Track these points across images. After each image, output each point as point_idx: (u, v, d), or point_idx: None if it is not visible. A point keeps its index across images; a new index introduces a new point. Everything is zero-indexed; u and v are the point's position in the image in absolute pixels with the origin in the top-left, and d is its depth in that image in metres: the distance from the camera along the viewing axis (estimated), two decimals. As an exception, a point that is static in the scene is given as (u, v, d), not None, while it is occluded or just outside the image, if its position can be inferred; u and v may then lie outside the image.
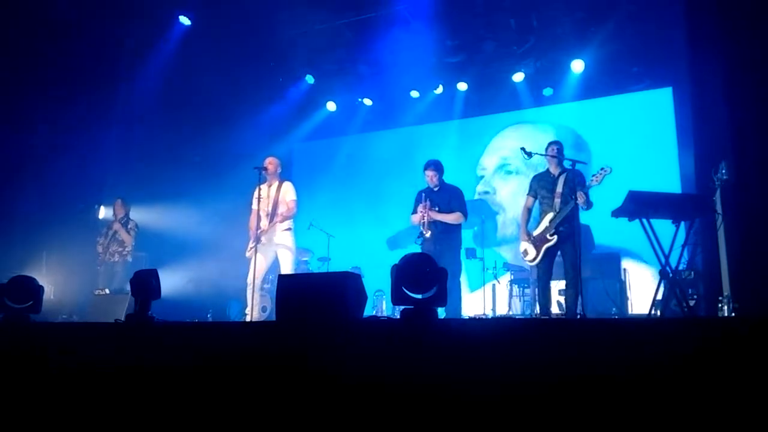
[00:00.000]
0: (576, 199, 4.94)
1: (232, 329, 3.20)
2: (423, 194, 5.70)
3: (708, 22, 5.68)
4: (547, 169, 5.44)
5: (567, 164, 5.00)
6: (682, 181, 7.69)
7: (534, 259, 5.27)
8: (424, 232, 5.53)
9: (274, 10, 7.66)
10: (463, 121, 9.66)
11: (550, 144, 5.43)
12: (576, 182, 5.17)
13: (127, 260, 7.22)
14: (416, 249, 5.61)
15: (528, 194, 5.53)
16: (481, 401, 2.11)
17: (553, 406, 2.03)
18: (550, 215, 5.21)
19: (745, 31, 4.91)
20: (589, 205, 5.05)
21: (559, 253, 5.23)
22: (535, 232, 5.30)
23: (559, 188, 5.23)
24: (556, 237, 5.12)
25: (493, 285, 7.74)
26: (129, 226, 7.34)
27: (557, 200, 5.19)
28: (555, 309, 5.27)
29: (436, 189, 5.69)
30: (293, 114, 9.91)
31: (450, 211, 5.57)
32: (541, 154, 5.38)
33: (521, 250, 5.46)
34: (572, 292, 5.02)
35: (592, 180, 4.97)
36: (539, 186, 5.41)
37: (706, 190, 5.47)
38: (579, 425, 1.99)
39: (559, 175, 5.30)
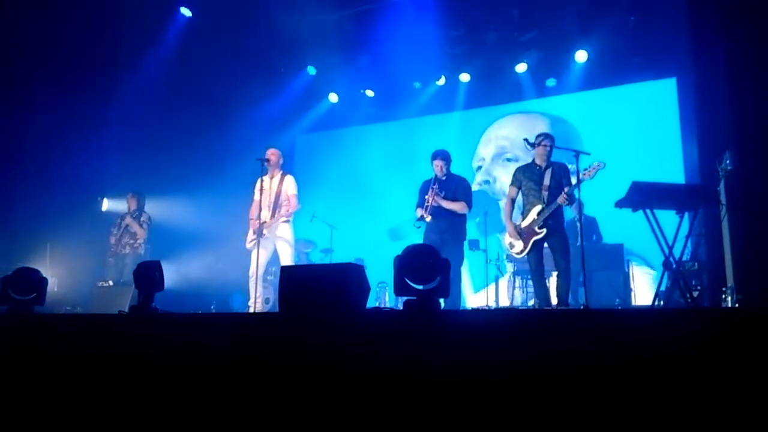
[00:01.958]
0: (563, 193, 4.99)
1: (235, 321, 3.20)
2: (432, 181, 5.67)
3: (711, 12, 5.65)
4: (533, 161, 5.40)
5: (571, 154, 4.97)
6: (686, 171, 7.66)
7: (521, 251, 5.26)
8: (425, 217, 5.50)
9: (276, 1, 7.64)
10: (466, 112, 9.63)
11: (543, 137, 5.33)
12: (562, 175, 5.18)
13: (139, 253, 7.19)
14: (419, 240, 5.59)
15: (512, 185, 5.46)
16: (484, 392, 2.11)
17: (557, 396, 2.03)
18: (538, 207, 5.17)
19: (748, 20, 4.88)
20: (571, 201, 5.04)
21: (546, 245, 5.23)
22: (523, 224, 5.26)
23: (547, 181, 5.20)
24: (545, 230, 5.11)
25: (496, 276, 7.74)
26: (141, 219, 7.33)
27: (545, 193, 5.16)
28: (555, 300, 5.26)
29: (443, 178, 5.66)
30: (295, 106, 9.89)
31: (455, 200, 5.55)
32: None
33: (506, 242, 5.43)
34: (564, 282, 5.03)
35: (583, 174, 4.91)
36: (525, 177, 5.35)
37: (710, 180, 5.46)
38: (583, 415, 1.99)
39: (546, 168, 5.28)
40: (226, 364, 2.60)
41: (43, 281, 3.84)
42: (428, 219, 5.49)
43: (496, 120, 9.54)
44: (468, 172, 9.26)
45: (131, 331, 3.08)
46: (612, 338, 2.13)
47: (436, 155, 5.68)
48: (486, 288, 7.71)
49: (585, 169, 4.93)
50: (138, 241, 7.26)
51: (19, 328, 3.37)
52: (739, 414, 1.85)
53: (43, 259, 6.98)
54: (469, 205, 5.58)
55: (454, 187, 5.61)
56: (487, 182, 9.37)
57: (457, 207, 5.52)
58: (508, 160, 9.22)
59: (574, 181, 4.99)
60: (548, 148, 5.26)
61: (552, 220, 5.11)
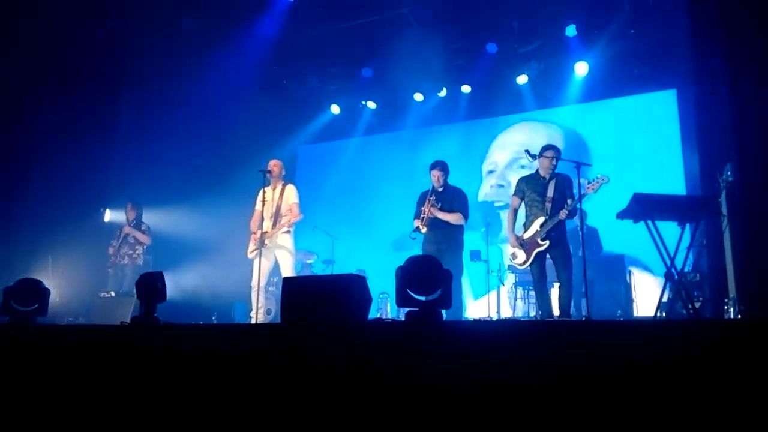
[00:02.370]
0: (565, 207, 5.02)
1: (237, 331, 3.20)
2: (429, 192, 5.69)
3: (711, 24, 5.68)
4: (537, 171, 5.41)
5: (571, 166, 4.99)
6: (687, 182, 7.67)
7: (524, 263, 5.26)
8: (421, 228, 5.52)
9: (278, 14, 7.69)
10: (467, 123, 9.66)
11: (548, 148, 5.36)
12: (566, 187, 5.20)
13: (138, 263, 7.23)
14: (420, 251, 5.60)
15: (515, 195, 5.47)
16: (486, 403, 2.11)
17: (558, 407, 2.03)
18: (541, 219, 5.18)
19: (749, 32, 4.91)
20: (572, 215, 5.07)
21: (548, 256, 5.23)
22: (525, 235, 5.26)
23: (551, 193, 5.21)
24: (548, 242, 5.11)
25: (498, 287, 7.73)
26: (142, 228, 7.36)
27: (548, 204, 5.17)
28: (557, 311, 5.26)
29: (440, 190, 5.69)
30: (297, 117, 9.93)
31: (451, 211, 5.57)
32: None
33: (509, 252, 5.44)
34: (565, 293, 5.03)
35: (587, 188, 4.94)
36: (528, 188, 5.36)
37: (711, 191, 5.46)
38: (584, 427, 1.98)
39: (550, 179, 5.29)
40: (228, 374, 2.59)
41: (46, 292, 3.84)
42: (424, 230, 5.52)
43: (510, 126, 9.53)
44: (473, 182, 9.26)
45: (133, 342, 3.08)
46: (614, 349, 2.13)
47: (434, 165, 5.72)
48: (488, 299, 7.70)
49: (589, 183, 4.95)
50: (137, 252, 7.28)
51: (21, 339, 3.37)
52: (742, 425, 1.84)
53: (45, 270, 6.99)
54: (466, 216, 5.61)
55: (451, 198, 5.64)
56: (501, 186, 9.32)
57: (454, 218, 5.54)
58: (522, 167, 9.19)
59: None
60: (553, 160, 5.26)
61: (555, 232, 5.12)
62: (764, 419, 1.83)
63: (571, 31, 7.75)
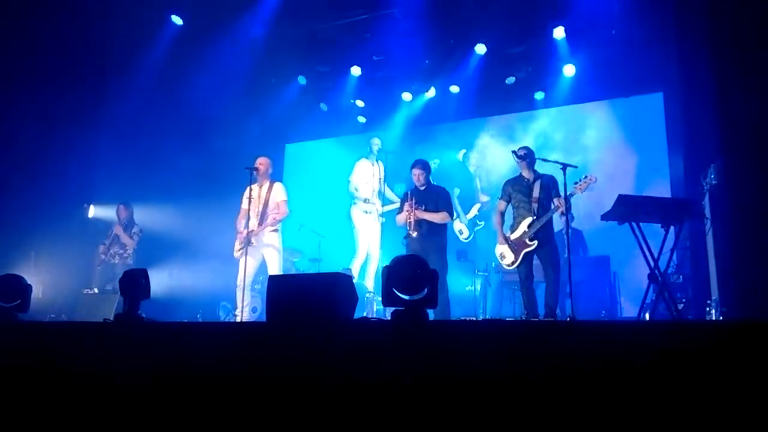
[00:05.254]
0: (553, 203, 5.03)
1: (222, 330, 3.19)
2: (409, 194, 5.70)
3: (698, 28, 5.74)
4: (521, 174, 5.45)
5: (558, 167, 5.02)
6: (672, 185, 7.74)
7: (512, 263, 5.31)
8: (411, 232, 5.53)
9: (266, 11, 7.67)
10: (455, 124, 9.67)
11: (522, 149, 5.39)
12: (551, 187, 5.23)
13: (128, 263, 7.20)
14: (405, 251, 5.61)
15: (501, 198, 5.53)
16: (471, 402, 2.12)
17: (542, 406, 2.04)
18: (528, 219, 5.23)
19: (734, 37, 4.96)
20: (567, 210, 5.07)
21: (535, 257, 5.27)
22: (513, 236, 5.31)
23: (536, 193, 5.26)
24: (536, 242, 5.16)
25: (483, 287, 7.75)
26: (133, 230, 7.33)
27: (535, 205, 5.22)
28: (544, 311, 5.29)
29: (422, 188, 5.70)
30: (285, 115, 9.89)
31: (436, 211, 5.58)
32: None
33: (498, 253, 5.48)
34: (553, 292, 5.08)
35: (575, 188, 4.97)
36: (514, 190, 5.41)
37: (695, 194, 5.52)
38: (568, 425, 2.00)
39: (534, 180, 5.33)
40: (212, 372, 2.58)
41: (28, 288, 3.80)
42: (414, 234, 5.52)
43: (487, 127, 9.55)
44: (461, 180, 9.26)
45: (116, 339, 3.05)
46: (598, 350, 2.15)
47: (414, 164, 5.73)
48: (474, 299, 7.72)
49: (577, 183, 4.98)
50: (127, 252, 7.26)
51: (2, 336, 3.33)
52: (722, 424, 1.87)
53: (27, 266, 6.90)
54: (451, 215, 5.65)
55: (435, 197, 5.66)
56: (484, 186, 9.35)
57: (440, 217, 5.58)
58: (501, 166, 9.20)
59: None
60: (527, 161, 5.31)
61: (542, 233, 5.16)
62: (745, 418, 1.85)
63: (559, 33, 7.79)
